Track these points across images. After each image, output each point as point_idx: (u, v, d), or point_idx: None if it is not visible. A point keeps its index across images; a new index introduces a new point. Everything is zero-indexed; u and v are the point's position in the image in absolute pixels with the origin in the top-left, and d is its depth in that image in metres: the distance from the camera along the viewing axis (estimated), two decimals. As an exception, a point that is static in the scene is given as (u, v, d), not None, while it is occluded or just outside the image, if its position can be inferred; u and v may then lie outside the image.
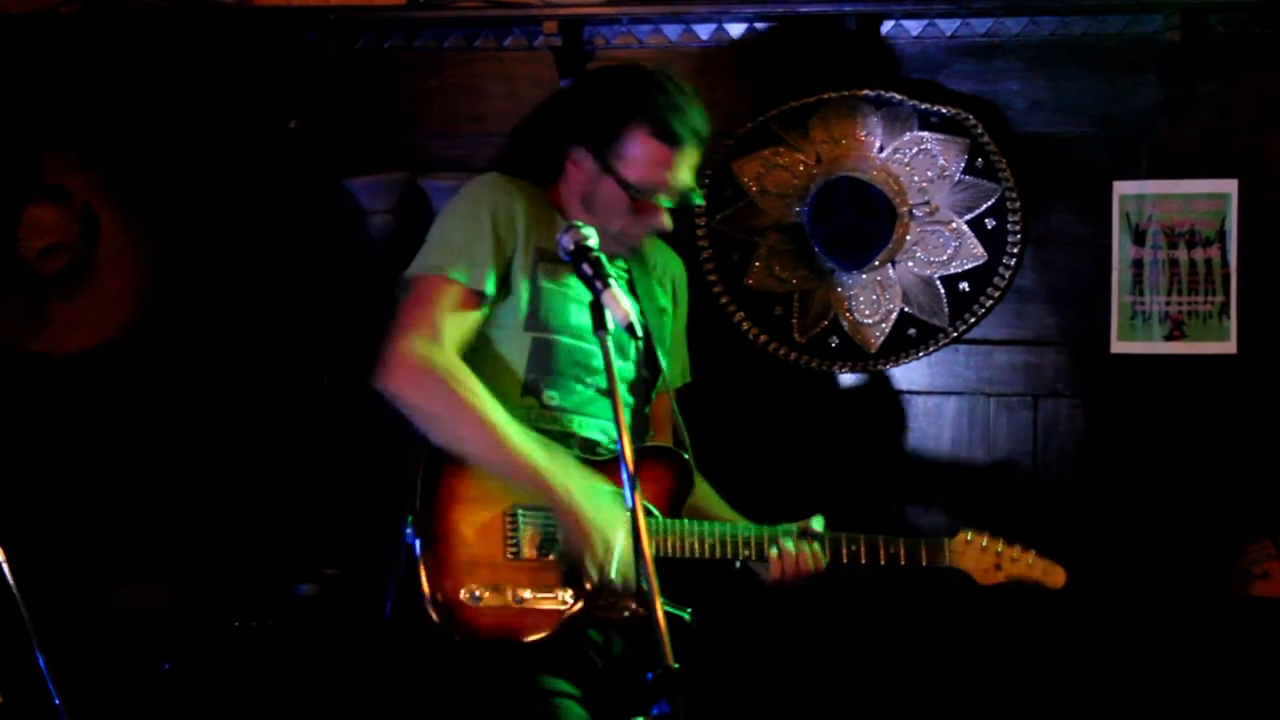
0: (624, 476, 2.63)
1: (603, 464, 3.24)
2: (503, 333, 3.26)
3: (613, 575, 3.12)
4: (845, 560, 3.36)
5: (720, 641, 3.32)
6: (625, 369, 3.38)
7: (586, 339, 3.26)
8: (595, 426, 3.31)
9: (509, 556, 3.16)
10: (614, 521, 3.12)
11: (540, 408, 3.26)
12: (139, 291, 4.40)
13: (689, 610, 3.25)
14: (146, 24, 4.31)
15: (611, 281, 2.81)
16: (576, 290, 3.24)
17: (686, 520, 3.31)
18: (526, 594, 3.13)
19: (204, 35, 4.37)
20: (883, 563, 3.37)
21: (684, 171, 3.34)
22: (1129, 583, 4.03)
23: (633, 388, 3.43)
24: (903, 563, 3.38)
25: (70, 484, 4.32)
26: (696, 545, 3.29)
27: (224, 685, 3.92)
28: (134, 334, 4.37)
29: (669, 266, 3.64)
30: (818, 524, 3.38)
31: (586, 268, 2.86)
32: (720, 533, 3.31)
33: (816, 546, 3.34)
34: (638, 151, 3.29)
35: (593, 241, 2.90)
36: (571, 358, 3.27)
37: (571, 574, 3.17)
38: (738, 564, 3.36)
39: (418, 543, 3.09)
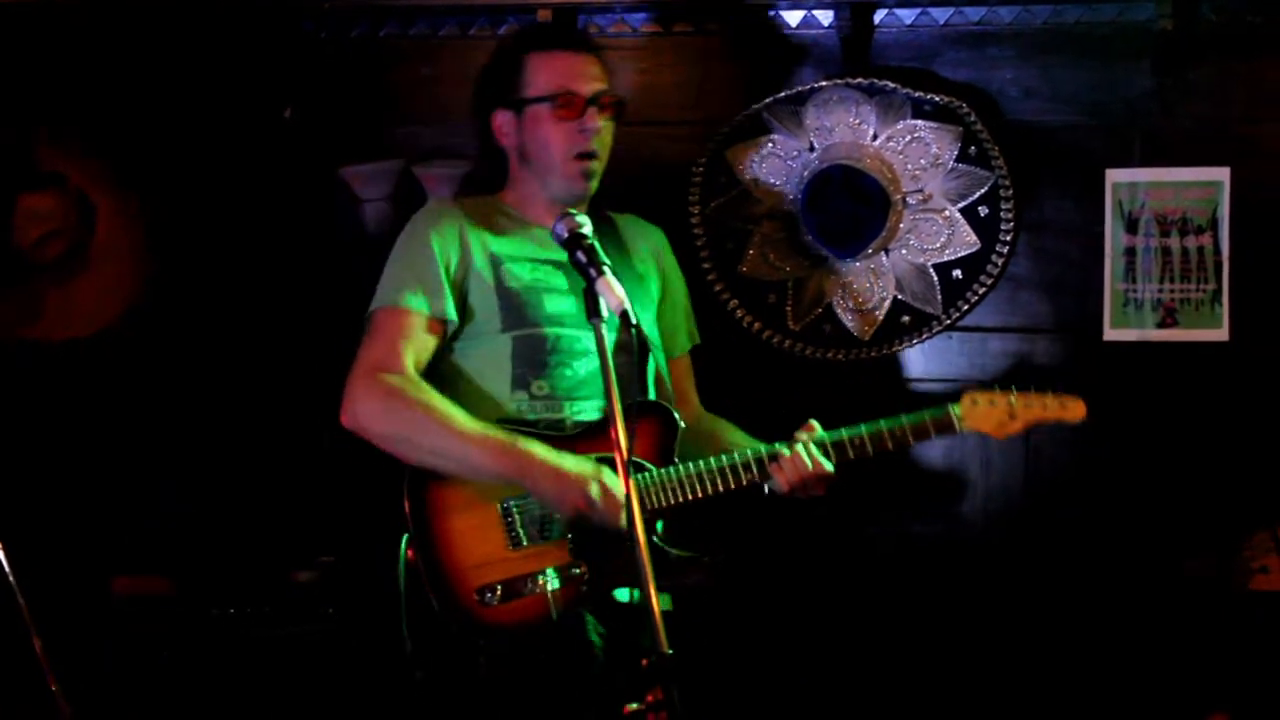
0: (619, 464, 2.65)
1: (591, 431, 3.26)
2: (482, 339, 3.31)
3: (619, 520, 3.12)
4: (852, 456, 3.32)
5: (717, 632, 3.34)
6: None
7: (568, 324, 3.30)
8: (590, 407, 3.33)
9: (512, 548, 3.20)
10: (589, 472, 3.14)
11: (530, 399, 3.29)
12: (135, 280, 4.40)
13: (707, 556, 3.26)
14: (142, 12, 4.31)
15: (605, 269, 2.82)
16: (548, 280, 3.31)
17: (681, 465, 3.29)
18: (540, 578, 3.17)
19: (200, 23, 4.36)
20: (892, 449, 3.33)
21: (594, 77, 3.37)
22: (1122, 569, 4.04)
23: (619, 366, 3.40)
24: (912, 444, 3.35)
25: (66, 472, 4.32)
26: (698, 485, 3.28)
27: (221, 672, 3.93)
28: (130, 322, 4.37)
29: (646, 237, 3.63)
30: (817, 432, 3.35)
31: (580, 255, 2.87)
32: (718, 465, 3.29)
33: (815, 449, 3.29)
34: (538, 71, 3.35)
35: (587, 229, 2.92)
36: (555, 346, 3.30)
37: (580, 544, 3.19)
38: (766, 489, 3.32)
39: (420, 562, 3.16)
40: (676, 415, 3.35)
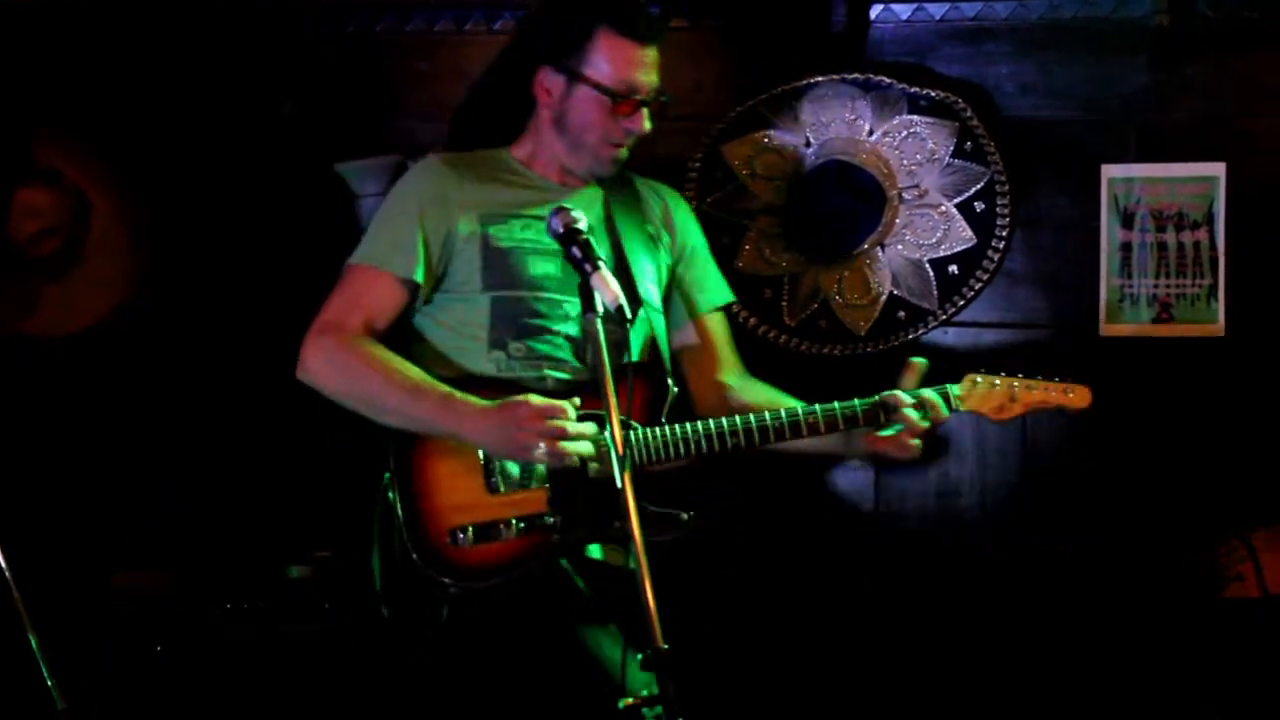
0: (613, 457, 2.66)
1: (576, 389, 3.20)
2: (462, 296, 3.28)
3: (574, 450, 3.08)
4: (843, 428, 3.26)
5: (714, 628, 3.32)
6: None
7: (550, 288, 3.26)
8: (568, 367, 3.27)
9: (489, 493, 3.16)
10: (519, 420, 3.07)
11: (508, 359, 3.25)
12: (131, 275, 4.40)
13: (687, 513, 3.17)
14: (139, 8, 4.31)
15: (601, 264, 2.82)
16: (535, 242, 3.27)
17: (673, 426, 3.22)
18: (513, 524, 3.12)
19: (196, 19, 4.37)
20: (882, 422, 3.26)
21: (652, 70, 3.32)
22: (1117, 569, 4.04)
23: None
24: (901, 419, 3.26)
25: (61, 467, 4.32)
26: (692, 445, 3.21)
27: (217, 667, 3.93)
28: (126, 318, 4.37)
29: (659, 195, 3.57)
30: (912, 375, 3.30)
31: (576, 251, 2.87)
32: (715, 429, 3.21)
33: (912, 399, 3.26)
34: (606, 53, 3.27)
35: (582, 224, 2.92)
36: (534, 309, 3.25)
37: (558, 493, 3.15)
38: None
39: (398, 502, 3.14)
40: (669, 379, 3.30)
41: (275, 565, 4.13)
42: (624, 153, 3.37)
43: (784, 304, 4.25)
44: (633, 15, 3.27)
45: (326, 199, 4.39)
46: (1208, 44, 4.06)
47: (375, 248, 3.29)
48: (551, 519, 3.14)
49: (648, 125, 3.33)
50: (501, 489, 3.16)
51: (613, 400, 2.69)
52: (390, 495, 3.16)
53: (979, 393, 3.31)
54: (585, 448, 3.10)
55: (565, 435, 3.07)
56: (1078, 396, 3.31)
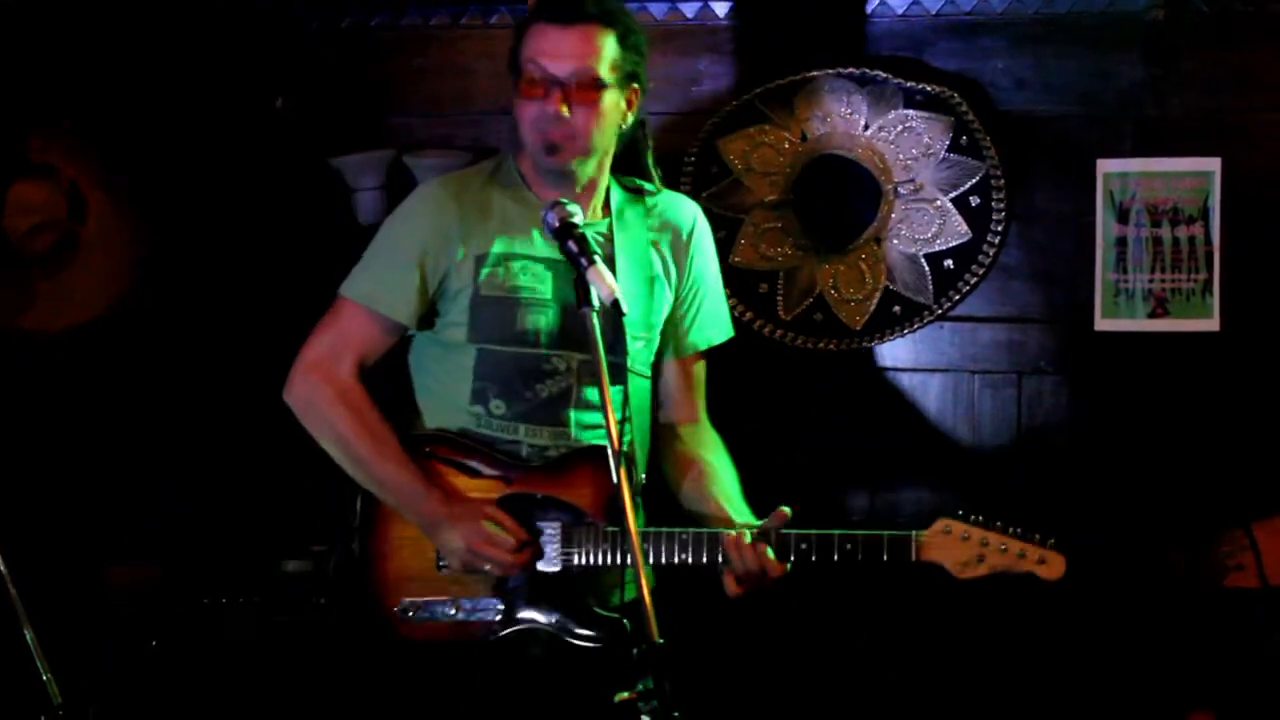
0: (609, 453, 2.66)
1: (545, 469, 3.18)
2: (448, 343, 3.21)
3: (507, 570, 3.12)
4: (793, 558, 3.07)
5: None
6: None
7: (540, 344, 3.17)
8: (545, 433, 3.19)
9: (440, 569, 3.16)
10: (463, 537, 3.09)
11: (488, 415, 3.19)
12: (126, 271, 4.40)
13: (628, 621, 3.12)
14: (135, 3, 4.31)
15: (596, 258, 2.81)
16: (533, 286, 3.17)
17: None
18: (458, 605, 3.14)
19: (191, 12, 4.36)
20: (835, 559, 3.06)
21: (569, 47, 3.09)
22: (1111, 561, 4.04)
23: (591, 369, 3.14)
24: (860, 559, 3.06)
25: (57, 462, 4.32)
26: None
27: (212, 660, 3.94)
28: (122, 312, 4.37)
29: (678, 223, 3.35)
30: (773, 522, 3.11)
31: (571, 245, 2.86)
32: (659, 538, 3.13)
33: (762, 545, 3.07)
34: (529, 41, 3.12)
35: (578, 219, 2.91)
36: (519, 366, 3.17)
37: (503, 581, 3.14)
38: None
39: (360, 560, 3.19)
40: (718, 466, 3.29)
41: (271, 559, 4.13)
42: (561, 155, 3.13)
43: (779, 298, 4.25)
44: (541, 4, 3.14)
45: (322, 193, 4.40)
46: (1203, 38, 4.06)
47: (370, 287, 3.19)
48: (501, 605, 3.14)
49: (565, 110, 3.08)
50: (451, 567, 3.16)
51: (608, 395, 2.69)
52: (354, 545, 3.22)
53: (949, 544, 3.07)
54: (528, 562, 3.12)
55: (511, 563, 3.09)
56: (1051, 568, 3.04)
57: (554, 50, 3.09)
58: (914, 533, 3.08)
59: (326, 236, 4.40)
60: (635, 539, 2.61)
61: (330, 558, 3.61)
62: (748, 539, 3.07)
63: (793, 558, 3.08)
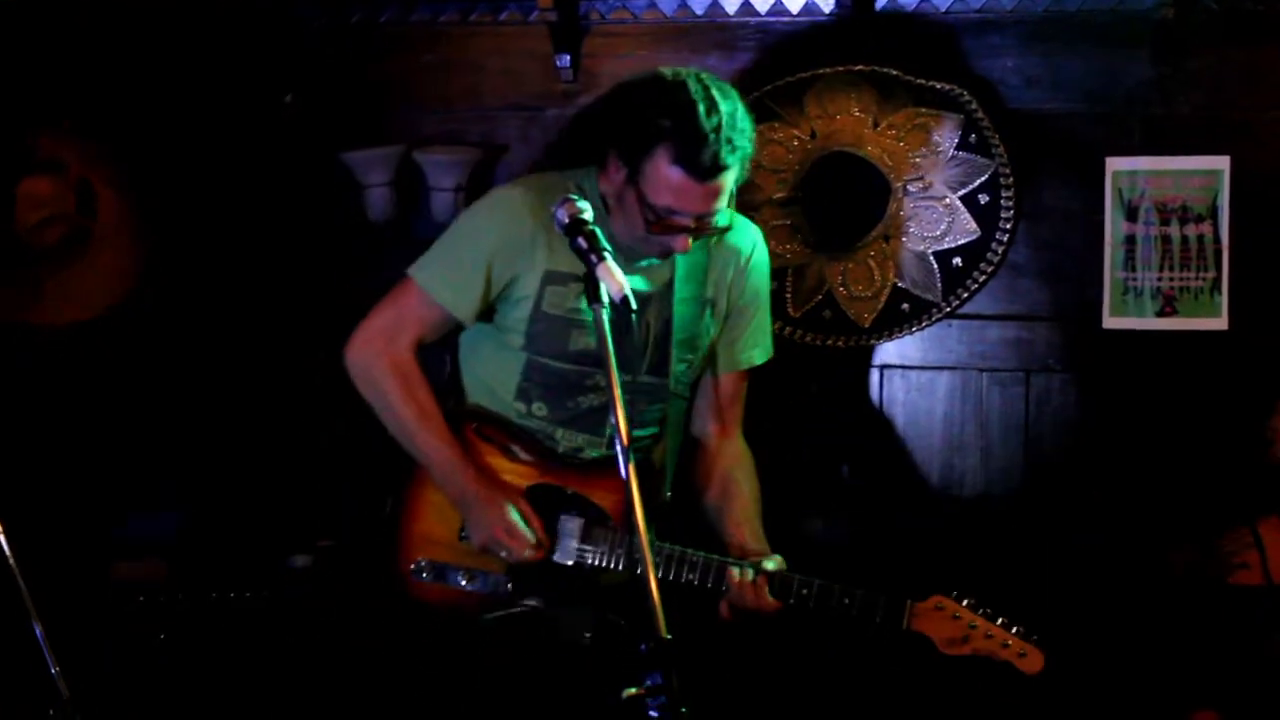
0: (618, 448, 2.65)
1: (580, 467, 3.32)
2: (502, 343, 3.32)
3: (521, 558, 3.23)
4: (793, 602, 3.20)
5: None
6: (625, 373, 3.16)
7: (585, 363, 3.28)
8: (580, 438, 3.34)
9: (461, 538, 3.29)
10: (489, 520, 3.23)
11: (529, 414, 3.33)
12: (134, 266, 4.41)
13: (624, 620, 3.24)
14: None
15: (606, 255, 2.81)
16: (586, 313, 3.16)
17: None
18: (469, 575, 3.27)
19: (200, 9, 4.37)
20: (830, 609, 3.19)
21: (707, 200, 3.17)
22: (1118, 561, 4.04)
23: (633, 388, 3.34)
24: (854, 614, 3.19)
25: (63, 456, 4.32)
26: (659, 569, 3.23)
27: (220, 655, 3.94)
28: (129, 308, 4.37)
29: (737, 247, 3.44)
30: (770, 564, 3.24)
31: (581, 241, 2.86)
32: (665, 554, 3.24)
33: (762, 584, 3.20)
34: (660, 175, 3.13)
35: (588, 215, 2.91)
36: (564, 380, 3.30)
37: (516, 563, 3.26)
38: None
39: (389, 514, 3.32)
40: (741, 482, 3.42)
41: (278, 554, 4.14)
42: (683, 249, 3.22)
43: (788, 295, 4.25)
44: (695, 150, 3.09)
45: (332, 189, 4.40)
46: (1212, 37, 4.06)
47: (437, 277, 3.29)
48: (507, 584, 3.26)
49: (685, 248, 3.19)
50: (471, 539, 3.29)
51: (617, 393, 2.69)
52: (389, 503, 3.34)
53: (939, 620, 3.18)
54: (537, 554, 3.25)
55: (525, 558, 3.23)
56: (1029, 662, 3.15)
57: (690, 204, 3.15)
58: (909, 602, 3.19)
59: (336, 232, 4.41)
60: (644, 536, 2.61)
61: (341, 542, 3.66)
62: (750, 577, 3.21)
63: (792, 601, 3.21)
